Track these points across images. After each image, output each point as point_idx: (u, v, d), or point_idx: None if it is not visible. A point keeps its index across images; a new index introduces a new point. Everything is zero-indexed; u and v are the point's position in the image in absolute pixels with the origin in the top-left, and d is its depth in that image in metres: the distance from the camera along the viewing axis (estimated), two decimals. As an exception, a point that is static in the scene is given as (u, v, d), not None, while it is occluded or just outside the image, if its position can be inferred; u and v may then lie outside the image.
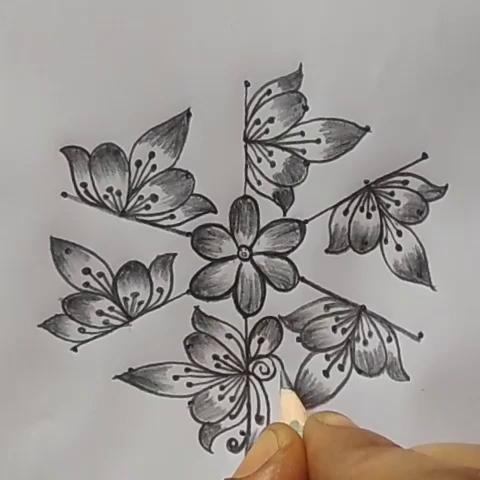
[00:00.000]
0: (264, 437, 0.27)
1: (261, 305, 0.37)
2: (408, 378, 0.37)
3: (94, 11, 0.34)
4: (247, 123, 0.35)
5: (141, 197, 0.35)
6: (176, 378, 0.37)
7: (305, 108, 0.35)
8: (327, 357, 0.37)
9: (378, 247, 0.37)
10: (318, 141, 0.36)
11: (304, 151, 0.36)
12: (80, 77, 0.34)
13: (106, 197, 0.35)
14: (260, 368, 0.37)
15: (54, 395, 0.36)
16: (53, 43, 0.34)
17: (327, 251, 0.37)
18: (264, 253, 0.37)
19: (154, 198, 0.35)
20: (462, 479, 0.20)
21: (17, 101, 0.34)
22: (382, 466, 0.22)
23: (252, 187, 0.36)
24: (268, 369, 0.37)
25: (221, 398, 0.37)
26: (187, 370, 0.37)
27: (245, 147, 0.36)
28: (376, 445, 0.24)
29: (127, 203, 0.35)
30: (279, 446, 0.26)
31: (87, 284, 0.36)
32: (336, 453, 0.24)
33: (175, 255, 0.36)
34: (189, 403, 0.37)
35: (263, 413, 0.37)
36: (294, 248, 0.37)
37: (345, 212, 0.37)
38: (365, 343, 0.37)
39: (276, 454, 0.26)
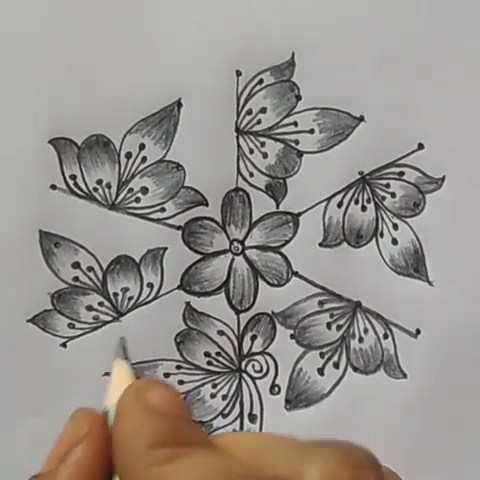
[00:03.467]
0: (64, 427, 0.26)
1: (254, 301, 0.36)
2: (405, 375, 0.37)
3: (86, 3, 0.33)
4: (239, 113, 0.35)
5: (131, 190, 0.35)
6: (167, 375, 0.36)
7: (298, 98, 0.35)
8: (322, 355, 0.37)
9: (373, 241, 0.36)
10: (311, 131, 0.35)
11: (297, 142, 0.35)
12: (70, 68, 0.34)
13: (96, 190, 0.35)
14: (253, 366, 0.37)
15: (43, 392, 0.35)
16: (42, 35, 0.33)
17: (321, 245, 0.36)
18: (256, 247, 0.36)
19: (144, 191, 0.35)
20: None
21: (5, 93, 0.33)
22: (184, 470, 0.21)
23: (244, 179, 0.35)
24: (261, 367, 0.37)
25: (213, 396, 0.36)
26: (178, 367, 0.36)
27: (237, 138, 0.35)
28: (187, 445, 0.23)
29: (117, 196, 0.35)
30: (76, 435, 0.25)
31: (76, 278, 0.35)
32: (144, 447, 0.22)
33: (166, 249, 0.35)
34: (180, 401, 0.36)
35: (256, 412, 0.37)
36: (287, 242, 0.36)
37: (339, 204, 0.36)
38: (361, 340, 0.37)
39: (73, 445, 0.24)
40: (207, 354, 0.36)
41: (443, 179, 0.36)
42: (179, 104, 0.34)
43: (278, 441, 0.23)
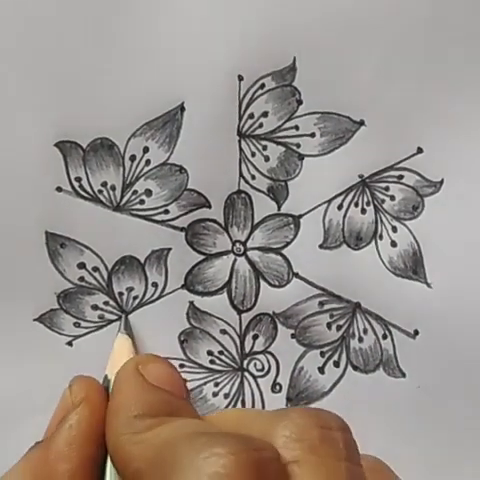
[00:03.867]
0: (62, 395, 0.26)
1: (255, 301, 0.37)
2: (404, 375, 0.37)
3: (89, 6, 0.34)
4: (241, 117, 0.35)
5: (135, 192, 0.35)
6: (170, 374, 0.37)
7: (299, 102, 0.35)
8: (322, 354, 0.37)
9: (373, 243, 0.37)
10: (312, 135, 0.36)
11: (298, 145, 0.36)
12: (74, 72, 0.34)
13: (100, 192, 0.35)
14: (255, 365, 0.37)
15: (50, 389, 0.36)
16: (47, 38, 0.34)
17: (321, 246, 0.36)
18: (258, 248, 0.36)
19: (148, 193, 0.35)
20: (230, 441, 0.20)
21: (11, 96, 0.34)
22: (162, 433, 0.21)
23: (246, 182, 0.36)
24: (263, 366, 0.37)
25: (215, 395, 0.37)
26: (182, 366, 0.37)
27: (239, 141, 0.35)
28: (174, 416, 0.23)
29: (121, 198, 0.35)
30: (72, 401, 0.25)
31: (82, 278, 0.36)
32: (133, 417, 0.22)
33: (169, 250, 0.36)
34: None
35: (257, 410, 0.37)
36: (288, 243, 0.36)
37: (339, 207, 0.36)
38: (360, 340, 0.37)
39: (69, 410, 0.25)
40: (210, 353, 0.37)
41: (441, 182, 0.36)
42: (182, 108, 0.35)
43: (256, 412, 0.24)
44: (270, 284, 0.37)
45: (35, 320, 0.35)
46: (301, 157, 0.36)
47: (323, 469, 0.20)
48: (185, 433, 0.21)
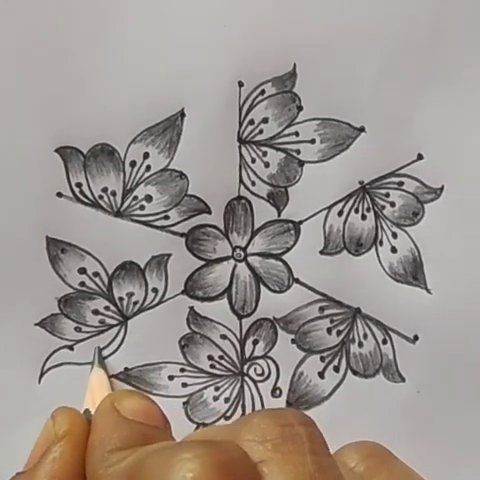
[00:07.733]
0: (44, 425, 0.26)
1: (256, 306, 0.37)
2: (403, 380, 0.37)
3: (89, 11, 0.34)
4: (241, 123, 0.35)
5: (136, 197, 0.35)
6: (171, 378, 0.37)
7: (299, 108, 0.35)
8: (322, 359, 0.37)
9: (373, 249, 0.37)
10: (313, 141, 0.36)
11: (298, 151, 0.36)
12: (75, 78, 0.34)
13: (101, 197, 0.35)
14: (255, 369, 0.37)
15: (51, 393, 0.36)
16: (48, 43, 0.34)
17: (322, 252, 0.37)
18: (258, 254, 0.37)
19: (148, 199, 0.35)
20: (196, 446, 0.20)
21: (12, 101, 0.34)
22: (131, 459, 0.22)
23: (246, 188, 0.36)
24: (263, 371, 0.37)
25: (216, 399, 0.37)
26: (182, 370, 0.37)
27: (239, 148, 0.35)
28: (150, 444, 0.23)
29: (122, 203, 0.35)
30: (56, 433, 0.25)
31: (83, 284, 0.36)
32: (108, 452, 0.23)
33: (170, 255, 0.36)
34: (184, 403, 0.37)
35: (258, 414, 0.37)
36: (289, 249, 0.36)
37: (340, 213, 0.36)
38: (360, 345, 0.37)
39: (53, 443, 0.25)
40: (210, 357, 0.37)
41: (441, 189, 0.36)
42: (182, 114, 0.35)
43: (222, 425, 0.24)
44: (270, 289, 0.37)
45: (36, 325, 0.36)
46: (301, 163, 0.36)
47: (289, 464, 0.20)
48: (153, 450, 0.21)
